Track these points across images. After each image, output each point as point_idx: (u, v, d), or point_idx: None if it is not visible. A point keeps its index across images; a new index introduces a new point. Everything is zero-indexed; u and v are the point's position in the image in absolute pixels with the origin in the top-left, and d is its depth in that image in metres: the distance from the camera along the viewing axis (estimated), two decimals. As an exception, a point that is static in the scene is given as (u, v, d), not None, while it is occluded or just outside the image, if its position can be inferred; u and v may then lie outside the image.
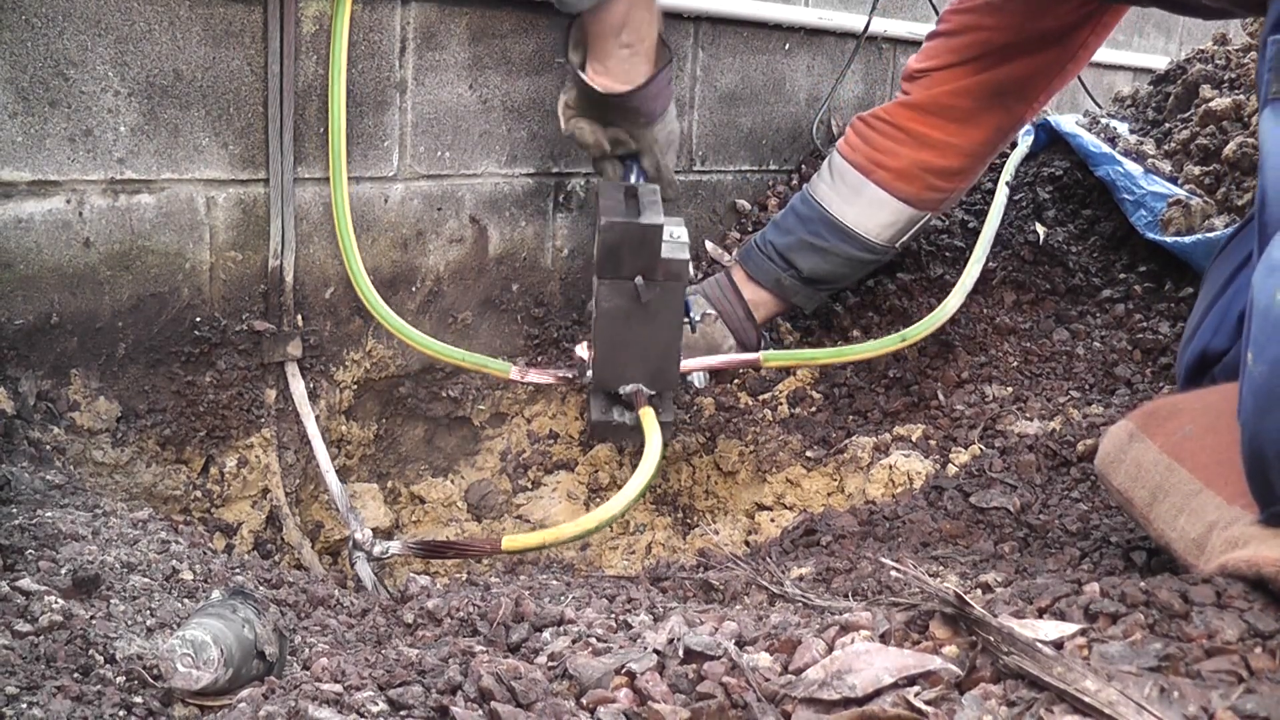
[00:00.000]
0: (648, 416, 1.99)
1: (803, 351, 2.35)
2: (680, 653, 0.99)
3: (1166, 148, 2.57)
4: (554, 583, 1.60)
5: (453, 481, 2.35)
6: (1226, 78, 2.59)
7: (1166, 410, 1.32)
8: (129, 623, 1.20)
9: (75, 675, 1.06)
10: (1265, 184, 1.19)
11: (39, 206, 1.72)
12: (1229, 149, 2.35)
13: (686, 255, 1.96)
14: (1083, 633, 0.91)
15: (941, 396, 2.25)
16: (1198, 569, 1.13)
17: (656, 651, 1.01)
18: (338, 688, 1.02)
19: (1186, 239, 2.21)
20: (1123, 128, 2.75)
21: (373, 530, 1.93)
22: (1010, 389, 2.20)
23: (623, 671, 0.98)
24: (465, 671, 1.03)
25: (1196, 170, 2.41)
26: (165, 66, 1.79)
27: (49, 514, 1.42)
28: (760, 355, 2.20)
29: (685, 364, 2.19)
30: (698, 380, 2.22)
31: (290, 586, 1.52)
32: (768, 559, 1.60)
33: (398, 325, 2.02)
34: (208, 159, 1.88)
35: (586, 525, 1.76)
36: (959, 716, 0.81)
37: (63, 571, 1.26)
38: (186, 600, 1.33)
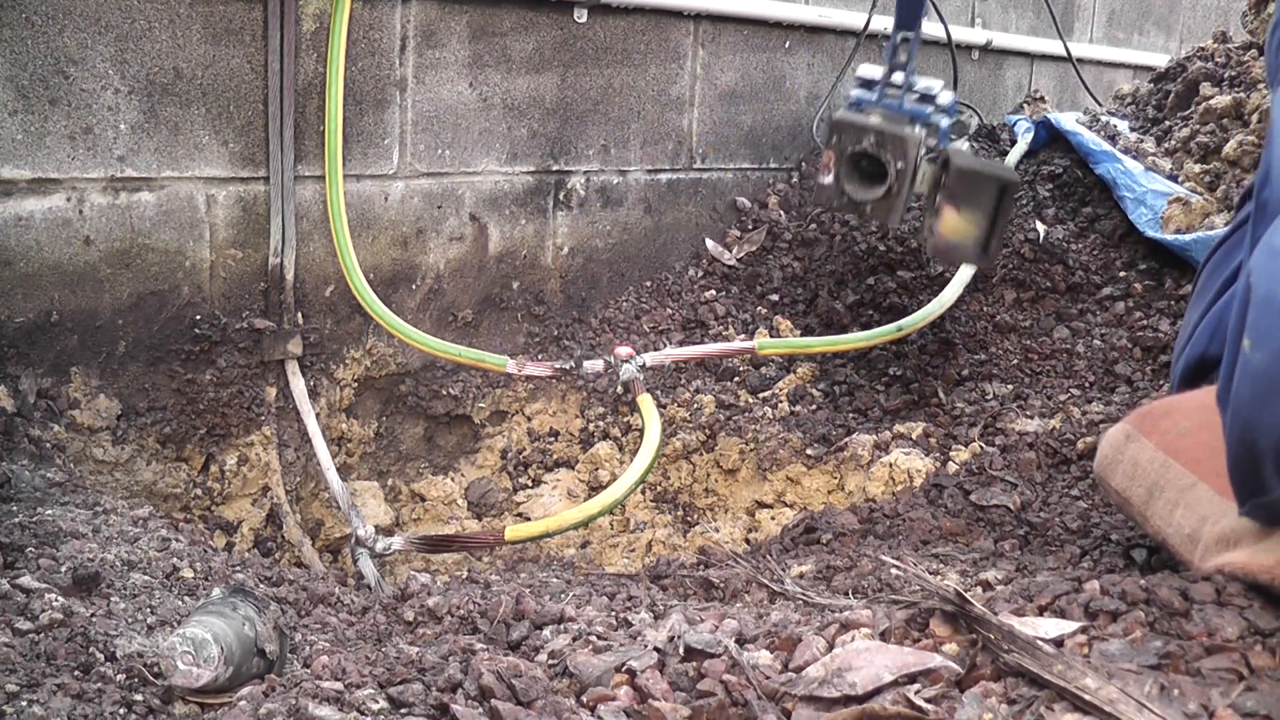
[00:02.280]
0: (646, 403, 2.00)
1: (798, 340, 2.35)
2: (681, 650, 0.99)
3: (1166, 145, 2.57)
4: (554, 580, 1.60)
5: (453, 479, 2.35)
6: (1227, 75, 2.59)
7: (1161, 410, 1.33)
8: (129, 620, 1.20)
9: (75, 673, 1.06)
10: (1271, 159, 1.16)
11: (39, 204, 1.72)
12: (1229, 147, 2.35)
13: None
14: (1083, 630, 0.91)
15: (942, 394, 2.25)
16: (1193, 564, 1.13)
17: (657, 649, 1.01)
18: (338, 685, 1.02)
19: (1186, 236, 2.21)
20: (1123, 125, 2.75)
21: (373, 528, 1.93)
22: (1010, 387, 2.20)
23: (623, 669, 0.98)
24: (465, 669, 1.03)
25: (1196, 168, 2.41)
26: (165, 64, 1.79)
27: (49, 512, 1.42)
28: (755, 343, 2.21)
29: (676, 354, 2.20)
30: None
31: (291, 584, 1.52)
32: (768, 557, 1.60)
33: (391, 321, 2.02)
34: (208, 157, 1.88)
35: (590, 510, 1.77)
36: (959, 714, 0.81)
37: (63, 569, 1.26)
38: (187, 598, 1.33)
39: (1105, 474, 1.37)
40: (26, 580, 1.20)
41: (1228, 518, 1.10)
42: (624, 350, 2.15)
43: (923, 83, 1.46)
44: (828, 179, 1.45)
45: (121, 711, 1.01)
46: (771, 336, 2.55)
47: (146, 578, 1.32)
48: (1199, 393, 1.34)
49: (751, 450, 2.28)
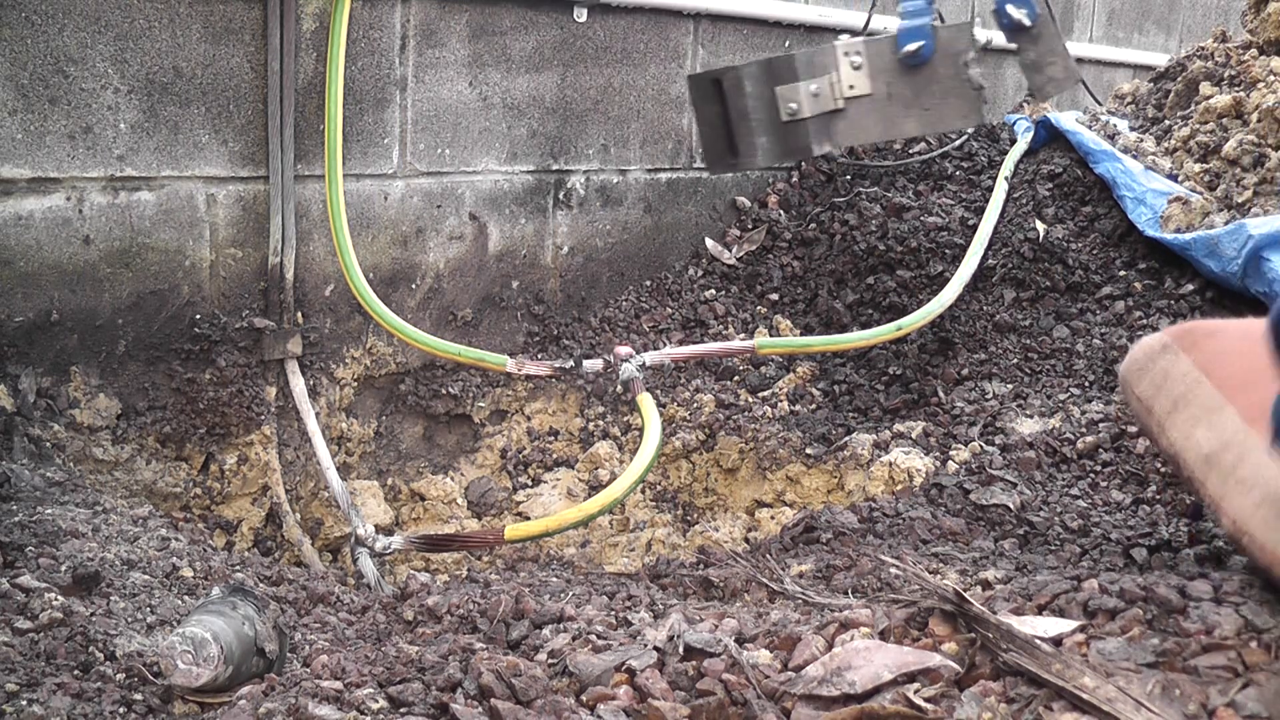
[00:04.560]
0: (645, 402, 2.00)
1: (798, 339, 2.35)
2: (680, 650, 0.99)
3: (1166, 145, 2.57)
4: (554, 580, 1.60)
5: (453, 479, 2.35)
6: (1226, 75, 2.59)
7: (1206, 329, 1.30)
8: (129, 620, 1.20)
9: (75, 672, 1.07)
10: None
11: (39, 204, 1.72)
12: (1229, 146, 2.35)
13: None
14: (1081, 629, 0.92)
15: (941, 393, 2.25)
16: (1203, 488, 1.13)
17: (656, 649, 1.01)
18: (337, 685, 1.02)
19: (1186, 235, 2.21)
20: (1122, 125, 2.75)
21: (373, 527, 1.93)
22: (1010, 386, 2.20)
23: (623, 669, 0.98)
24: (465, 669, 1.03)
25: (1196, 167, 2.41)
26: (165, 64, 1.79)
27: (49, 511, 1.42)
28: (754, 343, 2.21)
29: (676, 353, 2.20)
30: None
31: (290, 583, 1.52)
32: (768, 556, 1.60)
33: (391, 320, 2.02)
34: (208, 156, 1.88)
35: (589, 510, 1.77)
36: (958, 713, 0.81)
37: (63, 568, 1.26)
38: (186, 597, 1.33)
39: (1131, 379, 1.34)
40: (26, 579, 1.20)
41: (1250, 456, 1.08)
42: (623, 349, 2.15)
43: None
44: None
45: (121, 711, 1.02)
46: (771, 336, 2.55)
47: (146, 577, 1.32)
48: (1248, 321, 1.32)
49: (751, 449, 2.28)
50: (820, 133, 1.80)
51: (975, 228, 2.51)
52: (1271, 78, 2.46)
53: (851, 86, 1.80)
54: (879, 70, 1.80)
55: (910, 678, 0.87)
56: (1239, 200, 2.26)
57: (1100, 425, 1.90)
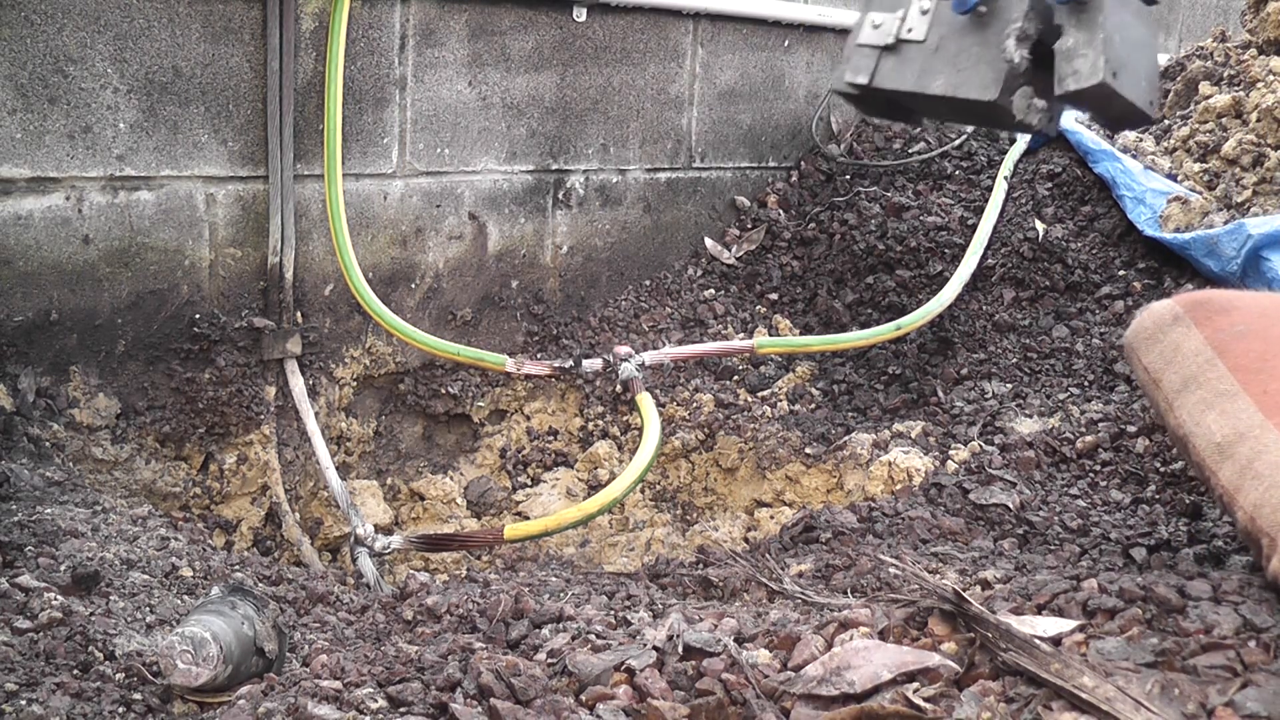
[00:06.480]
0: (645, 402, 2.00)
1: (797, 339, 2.35)
2: (680, 649, 0.99)
3: (1166, 144, 2.57)
4: (553, 579, 1.60)
5: (452, 478, 2.35)
6: (1226, 74, 2.59)
7: (1220, 304, 1.26)
8: (128, 619, 1.20)
9: (75, 672, 1.07)
10: None
11: (38, 203, 1.72)
12: (1228, 145, 2.35)
13: None
14: (1081, 629, 0.92)
15: (941, 393, 2.25)
16: (1215, 476, 1.11)
17: (656, 648, 1.01)
18: (337, 684, 1.02)
19: (1185, 235, 2.21)
20: (1122, 124, 2.75)
21: (373, 527, 1.93)
22: (1009, 386, 2.20)
23: (622, 668, 0.98)
24: (464, 668, 1.03)
25: (1196, 167, 2.41)
26: (164, 63, 1.79)
27: (48, 510, 1.42)
28: (754, 342, 2.21)
29: (675, 353, 2.20)
30: None
31: (289, 583, 1.52)
32: (767, 556, 1.60)
33: (390, 320, 2.02)
34: (207, 156, 1.88)
35: (589, 509, 1.77)
36: (958, 713, 0.81)
37: (62, 568, 1.26)
38: (186, 597, 1.33)
39: (1138, 348, 1.30)
40: (26, 579, 1.20)
41: (1268, 450, 1.06)
42: (623, 349, 2.15)
43: None
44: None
45: (120, 710, 1.02)
46: (770, 335, 2.55)
47: (145, 576, 1.32)
48: (1265, 296, 1.29)
49: (750, 449, 2.28)
50: (863, 64, 1.74)
51: (975, 227, 2.51)
52: (1271, 77, 2.46)
53: (910, 30, 1.74)
54: (941, 20, 1.73)
55: (909, 677, 0.87)
56: (1238, 200, 2.26)
57: (1100, 425, 1.90)
